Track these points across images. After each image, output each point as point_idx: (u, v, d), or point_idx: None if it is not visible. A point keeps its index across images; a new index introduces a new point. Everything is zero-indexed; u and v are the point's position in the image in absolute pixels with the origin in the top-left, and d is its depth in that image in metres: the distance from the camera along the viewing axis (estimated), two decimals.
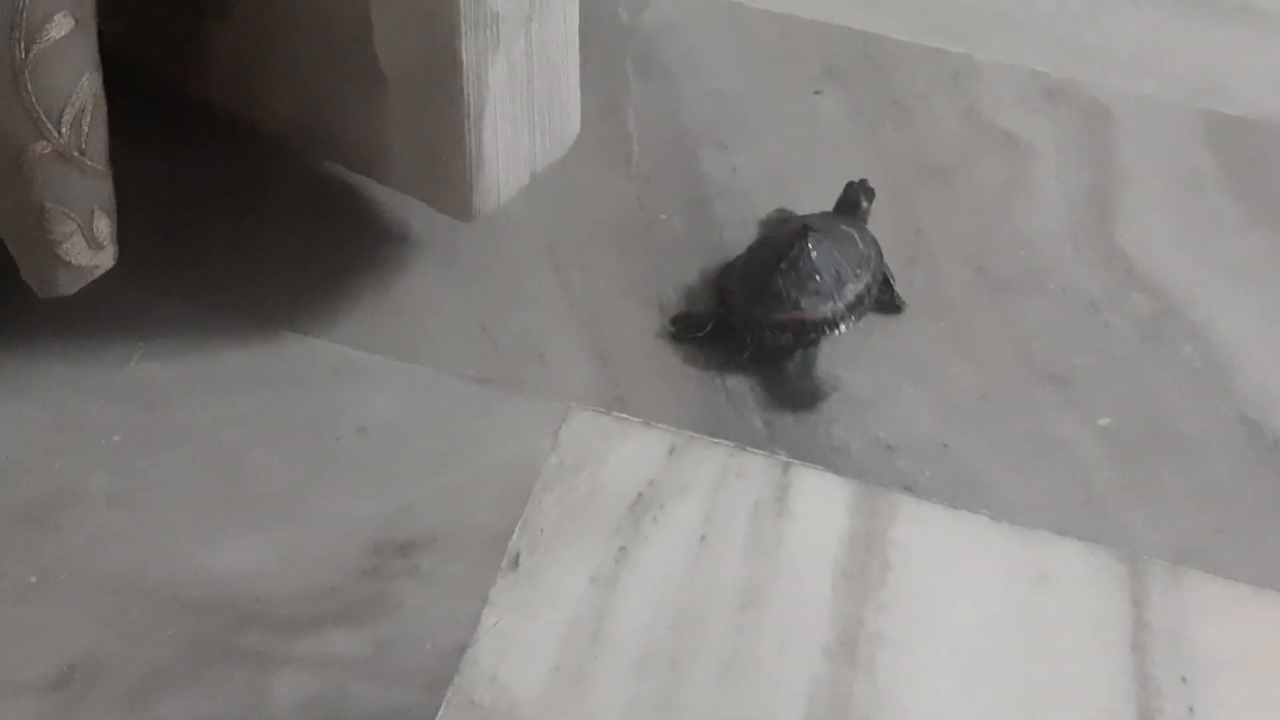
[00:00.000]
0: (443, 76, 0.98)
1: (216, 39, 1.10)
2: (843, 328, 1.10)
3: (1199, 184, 1.43)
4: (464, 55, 0.96)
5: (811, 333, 1.10)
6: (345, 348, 1.15)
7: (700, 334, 1.13)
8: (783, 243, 1.12)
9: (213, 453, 1.01)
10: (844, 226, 1.18)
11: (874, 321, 1.22)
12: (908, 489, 1.09)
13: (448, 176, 1.06)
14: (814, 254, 1.10)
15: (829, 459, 1.11)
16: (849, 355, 1.19)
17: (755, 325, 1.09)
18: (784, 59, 1.52)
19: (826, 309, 1.10)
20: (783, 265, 1.09)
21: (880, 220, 1.33)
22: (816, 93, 1.49)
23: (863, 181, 1.25)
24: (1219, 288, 1.31)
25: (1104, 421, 1.16)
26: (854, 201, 1.25)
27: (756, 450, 1.10)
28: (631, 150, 1.40)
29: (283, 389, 1.11)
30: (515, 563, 0.99)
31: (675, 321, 1.15)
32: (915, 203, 1.36)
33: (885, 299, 1.17)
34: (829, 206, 1.27)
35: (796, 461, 1.10)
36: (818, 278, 1.10)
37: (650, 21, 1.59)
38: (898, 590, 1.01)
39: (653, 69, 1.51)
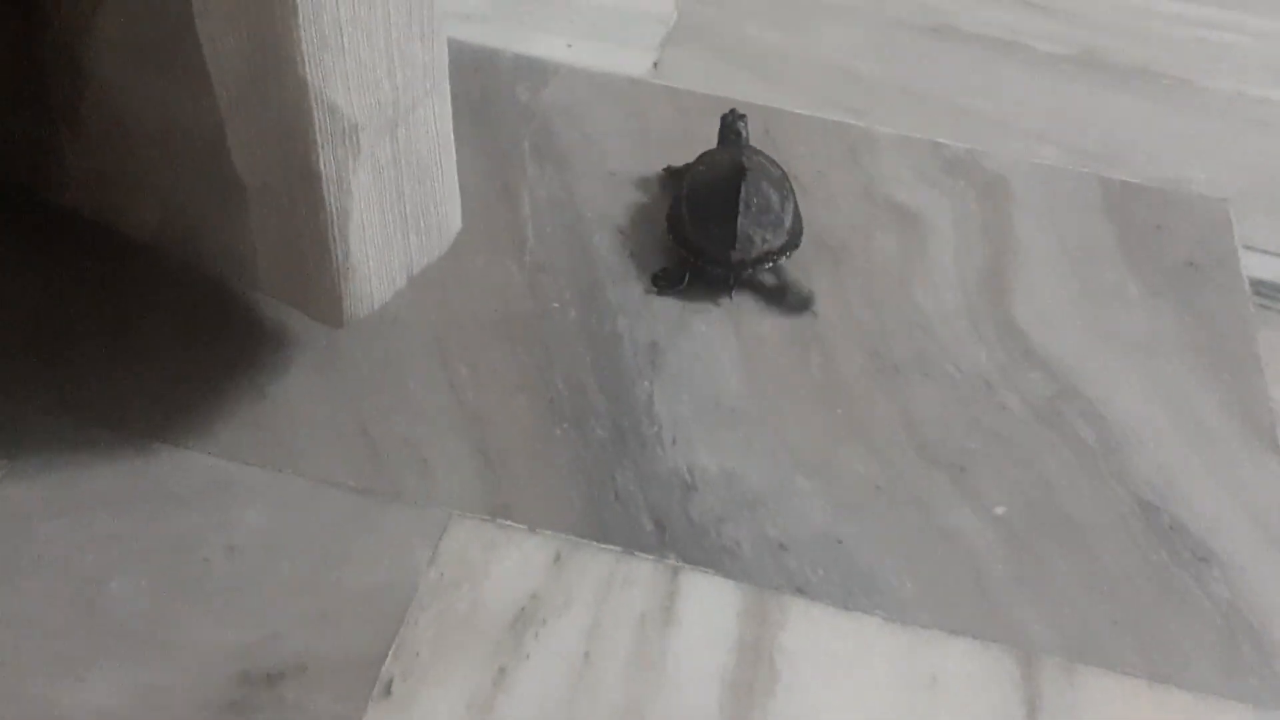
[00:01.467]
0: (302, 187, 0.96)
1: (73, 151, 1.07)
2: (799, 244, 1.32)
3: (1096, 256, 1.43)
4: (322, 167, 0.94)
5: (779, 256, 1.30)
6: (219, 460, 1.11)
7: (680, 285, 1.29)
8: (723, 184, 1.30)
9: (73, 580, 0.96)
10: (754, 156, 1.36)
11: (770, 407, 1.21)
12: (799, 590, 1.06)
13: (316, 284, 1.03)
14: (757, 190, 1.29)
15: (720, 561, 1.08)
16: (742, 446, 1.17)
17: (737, 268, 1.27)
18: (680, 137, 1.50)
19: (784, 234, 1.30)
20: (740, 209, 1.26)
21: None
22: None
23: (733, 111, 1.43)
24: (1115, 363, 1.30)
25: (999, 510, 1.14)
26: (736, 130, 1.41)
27: (645, 555, 1.08)
28: (526, 236, 1.38)
29: (151, 507, 1.07)
30: (388, 689, 0.95)
31: (655, 280, 1.30)
32: (811, 283, 1.34)
33: (790, 299, 1.32)
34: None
35: (686, 565, 1.07)
36: (769, 210, 1.29)
37: (549, 100, 1.57)
38: (786, 701, 0.99)
39: (550, 151, 1.49)
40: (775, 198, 1.30)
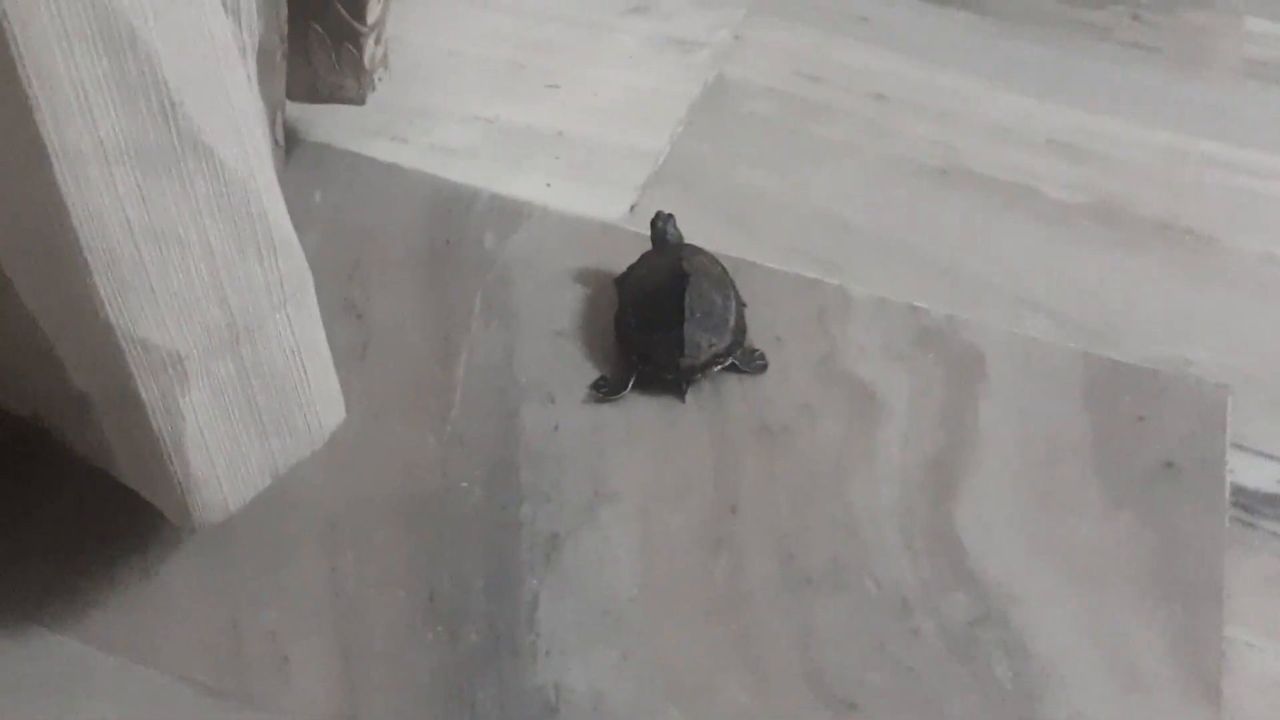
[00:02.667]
0: (130, 412, 0.94)
1: None
2: (744, 340, 1.37)
3: (1063, 453, 1.33)
4: (144, 395, 0.92)
5: (726, 358, 1.34)
6: (87, 646, 1.11)
7: (624, 391, 1.32)
8: (667, 290, 1.34)
9: None
10: (693, 257, 1.39)
11: (660, 617, 1.15)
12: None
13: (163, 491, 1.02)
14: (700, 294, 1.32)
15: None
16: (618, 663, 1.12)
17: (687, 373, 1.31)
18: None
19: (728, 334, 1.34)
20: (686, 315, 1.30)
21: (695, 490, 1.26)
22: None
23: (659, 213, 1.46)
24: (1055, 586, 1.20)
25: None
26: (664, 232, 1.45)
27: None
28: (452, 402, 1.35)
29: (9, 698, 1.07)
30: None
31: (597, 386, 1.33)
32: (739, 472, 1.28)
33: (746, 362, 1.37)
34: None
35: None
36: (713, 313, 1.32)
37: (514, 248, 1.54)
38: None
39: (500, 306, 1.46)
40: (718, 300, 1.33)
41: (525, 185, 1.64)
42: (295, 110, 1.67)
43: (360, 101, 1.59)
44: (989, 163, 1.72)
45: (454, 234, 1.56)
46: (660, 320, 1.31)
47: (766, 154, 1.72)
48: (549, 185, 1.64)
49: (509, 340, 1.42)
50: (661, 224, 1.44)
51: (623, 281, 1.41)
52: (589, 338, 1.42)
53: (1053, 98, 1.84)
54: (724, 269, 1.40)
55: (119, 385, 0.92)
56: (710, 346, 1.30)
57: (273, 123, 1.37)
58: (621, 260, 1.52)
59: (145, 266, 0.87)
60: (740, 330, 1.35)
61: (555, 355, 1.40)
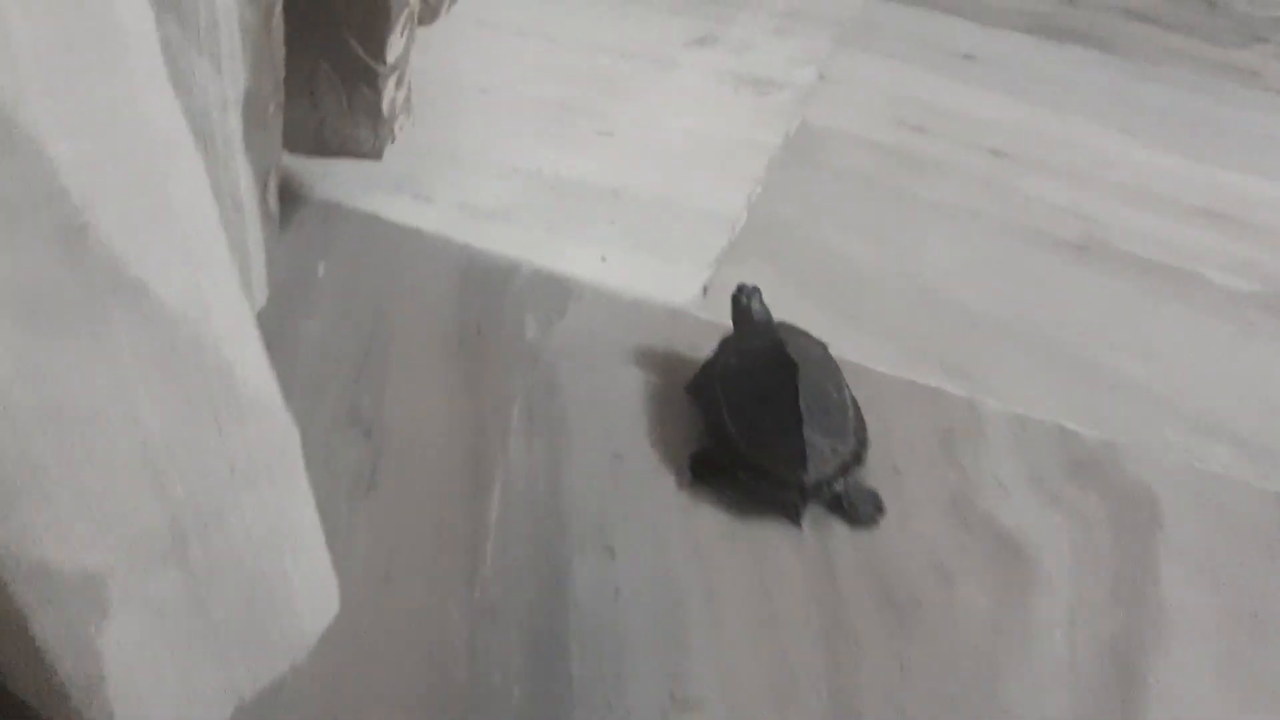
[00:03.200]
0: (25, 651, 0.65)
1: None
2: (868, 440, 1.11)
3: (1274, 632, 1.02)
4: (41, 633, 0.63)
5: (854, 465, 1.09)
6: None
7: (721, 480, 1.11)
8: (772, 385, 1.09)
9: None
10: (793, 339, 1.15)
11: None
12: None
13: None
14: (812, 386, 1.08)
15: None
16: None
17: (814, 490, 1.06)
18: None
19: (851, 436, 1.09)
20: (804, 416, 1.06)
21: (801, 694, 0.96)
22: None
23: (742, 287, 1.21)
24: None
25: None
26: (749, 309, 1.20)
27: None
28: (484, 554, 1.05)
29: None
30: None
31: (695, 462, 1.13)
32: (858, 666, 0.98)
33: (860, 509, 1.10)
34: None
35: None
36: (829, 410, 1.09)
37: (561, 338, 1.24)
38: None
39: (546, 417, 1.16)
40: (833, 392, 1.10)
41: (575, 257, 1.34)
42: (295, 161, 1.38)
43: (376, 155, 1.29)
44: (1134, 236, 1.42)
45: (488, 319, 1.26)
46: (769, 425, 1.07)
47: (865, 220, 1.42)
48: (604, 259, 1.34)
49: (555, 465, 1.12)
50: (746, 299, 1.20)
51: (709, 377, 1.15)
52: (658, 459, 1.12)
53: (1200, 155, 1.54)
54: (826, 349, 1.16)
55: (10, 621, 0.62)
56: (836, 453, 1.07)
57: (262, 188, 1.07)
58: (693, 354, 1.22)
59: (38, 461, 0.57)
60: (861, 429, 1.11)
61: (615, 486, 1.10)
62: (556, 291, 1.30)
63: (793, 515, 1.06)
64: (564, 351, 1.23)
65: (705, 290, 1.31)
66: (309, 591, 0.77)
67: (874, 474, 1.12)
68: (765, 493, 1.07)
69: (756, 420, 1.08)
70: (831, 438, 1.06)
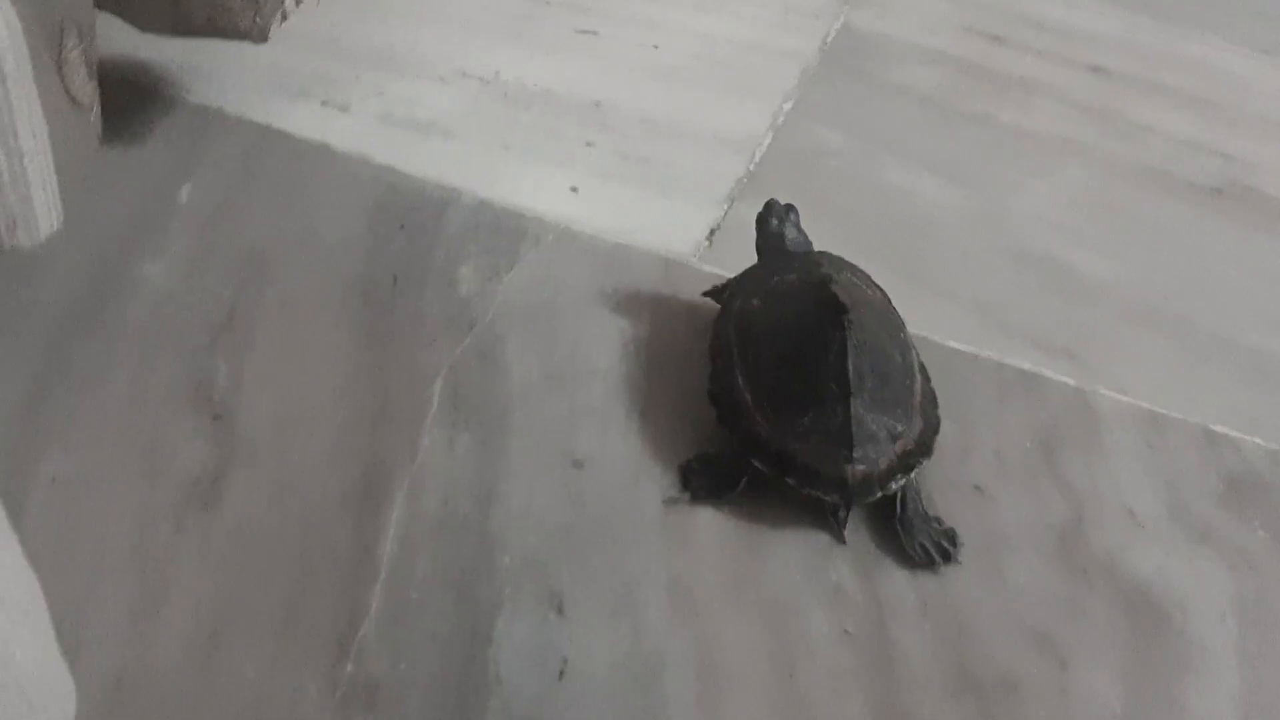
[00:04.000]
0: None
1: None
2: (938, 426, 0.77)
3: None
4: None
5: (918, 458, 0.75)
6: None
7: (733, 492, 0.76)
8: (810, 332, 0.76)
9: None
10: (841, 274, 0.81)
11: None
12: None
13: None
14: (869, 345, 0.75)
15: None
16: None
17: (860, 491, 0.73)
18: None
19: (916, 414, 0.76)
20: (852, 383, 0.73)
21: None
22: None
23: (772, 205, 0.89)
24: None
25: None
26: (781, 234, 0.87)
27: None
28: (370, 603, 0.70)
29: None
30: None
31: (687, 478, 0.77)
32: None
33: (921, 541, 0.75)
34: None
35: None
36: (890, 377, 0.76)
37: (509, 294, 0.89)
38: None
39: (475, 403, 0.82)
40: (893, 350, 0.78)
41: (537, 187, 0.99)
42: (155, 46, 1.03)
43: (259, 37, 0.94)
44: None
45: (408, 267, 0.91)
46: (803, 394, 0.76)
47: (931, 151, 1.07)
48: (575, 190, 0.99)
49: (486, 474, 0.77)
50: (777, 221, 0.88)
51: (721, 324, 0.84)
52: (634, 469, 0.77)
53: None
54: (885, 295, 0.84)
55: None
56: (893, 437, 0.75)
57: (54, 54, 0.72)
58: (691, 320, 0.87)
59: None
60: (930, 407, 0.79)
61: (571, 507, 0.76)
62: (507, 231, 0.95)
63: (833, 523, 0.75)
64: (511, 314, 0.88)
65: (712, 235, 0.96)
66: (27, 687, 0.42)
67: (947, 494, 0.77)
68: (792, 495, 0.75)
69: (785, 386, 0.77)
70: (888, 415, 0.75)
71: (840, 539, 0.75)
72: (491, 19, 1.16)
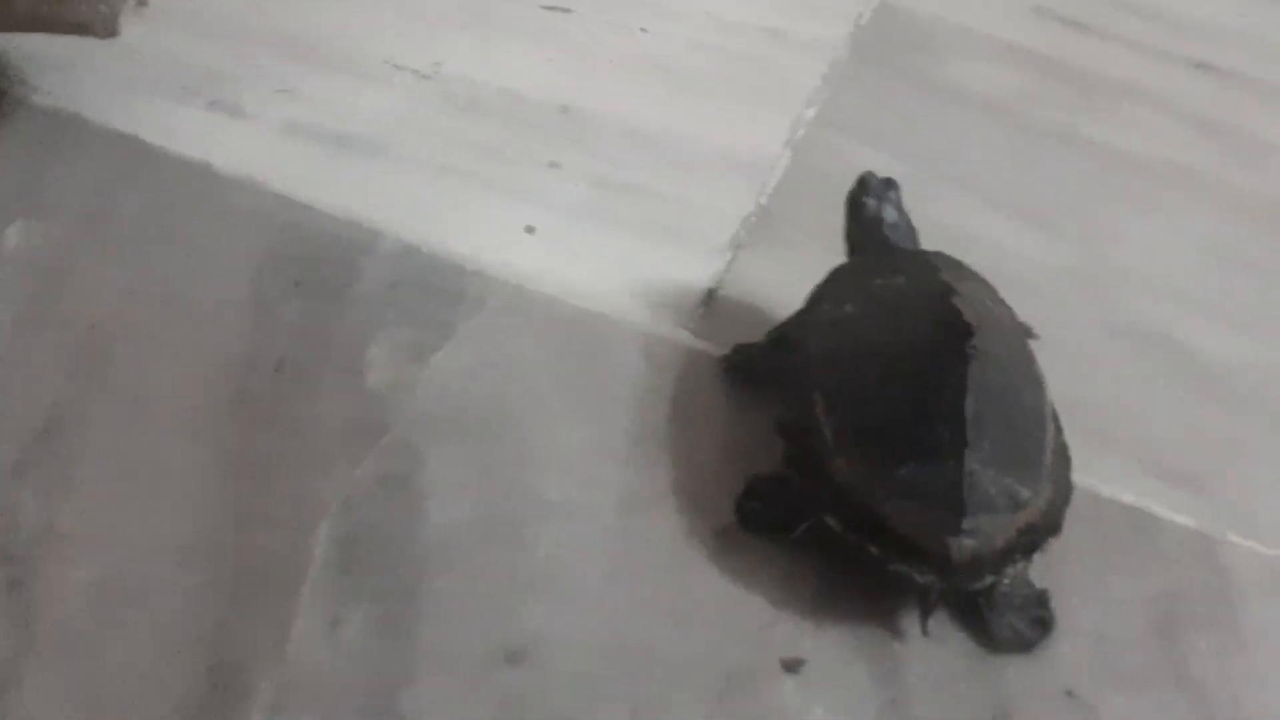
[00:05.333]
0: None
1: None
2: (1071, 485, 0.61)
3: None
4: None
5: (1036, 542, 0.59)
6: None
7: (783, 535, 0.61)
8: (921, 360, 0.61)
9: None
10: (964, 283, 0.64)
11: None
12: None
13: None
14: (995, 386, 0.60)
15: None
16: None
17: (964, 574, 0.57)
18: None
19: (1045, 484, 0.60)
20: (969, 434, 0.57)
21: None
22: None
23: (868, 179, 0.71)
24: None
25: None
26: (878, 217, 0.70)
27: None
28: None
29: None
30: None
31: (744, 510, 0.62)
32: None
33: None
34: None
35: None
36: (1015, 428, 0.60)
37: (433, 392, 0.66)
38: None
39: (379, 560, 0.59)
40: (1024, 389, 0.63)
41: (481, 228, 0.76)
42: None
43: (104, 30, 0.71)
44: None
45: (300, 345, 0.69)
46: (906, 435, 0.60)
47: (993, 181, 0.83)
48: (531, 230, 0.76)
49: (386, 676, 0.55)
50: (875, 201, 0.71)
51: (801, 333, 0.67)
52: (603, 661, 0.55)
53: None
54: (1014, 316, 0.67)
55: None
56: (1015, 508, 0.59)
57: None
58: (689, 426, 0.65)
59: None
60: (1063, 469, 0.62)
61: None
62: (438, 292, 0.72)
63: (922, 608, 0.59)
64: (435, 417, 0.65)
65: (709, 298, 0.73)
66: None
67: (1027, 701, 0.55)
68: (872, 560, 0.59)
69: (880, 425, 0.61)
70: (1012, 476, 0.59)
71: (924, 628, 0.58)
72: None
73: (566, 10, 0.92)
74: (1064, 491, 0.61)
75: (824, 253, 0.75)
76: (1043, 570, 0.60)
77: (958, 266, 0.68)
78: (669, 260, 0.75)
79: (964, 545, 0.57)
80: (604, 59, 0.88)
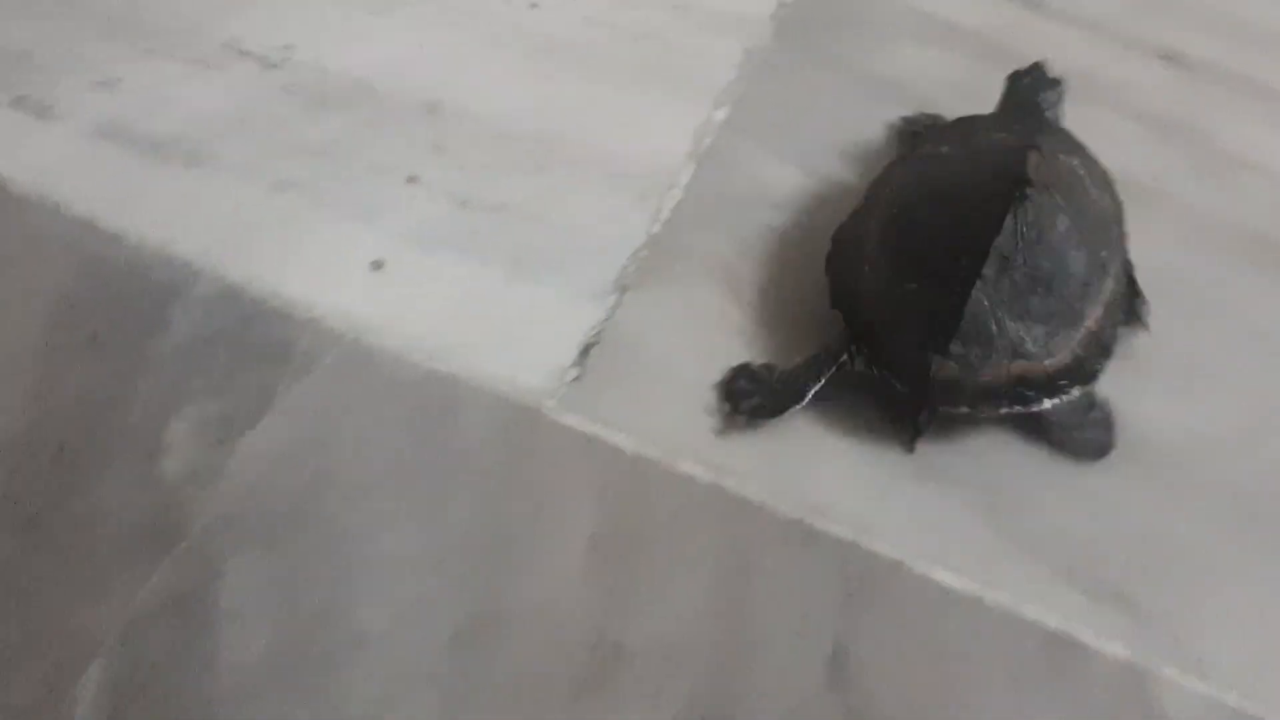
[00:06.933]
0: None
1: None
2: (1097, 370, 0.62)
3: None
4: None
5: (1054, 393, 0.61)
6: None
7: (794, 405, 0.62)
8: (970, 201, 0.63)
9: None
10: (1061, 155, 0.66)
11: None
12: None
13: None
14: (1040, 234, 0.62)
15: None
16: None
17: (940, 395, 0.60)
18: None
19: (1076, 334, 0.62)
20: (985, 269, 0.60)
21: None
22: None
23: (1035, 67, 0.72)
24: None
25: None
26: (1034, 95, 0.71)
27: None
28: None
29: None
30: None
31: (731, 391, 0.62)
32: None
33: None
34: None
35: None
36: (1054, 282, 0.62)
37: (242, 481, 0.56)
38: None
39: (167, 705, 0.50)
40: (1080, 251, 0.63)
41: (319, 262, 0.65)
42: None
43: None
44: None
45: (88, 420, 0.58)
46: (930, 255, 0.62)
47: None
48: (378, 265, 0.65)
49: None
50: (1031, 80, 0.72)
51: (904, 163, 0.69)
52: None
53: None
54: (1119, 208, 0.67)
55: None
56: (1015, 355, 0.60)
57: None
58: (560, 517, 0.55)
59: None
60: (1108, 328, 0.63)
61: None
62: (259, 348, 0.61)
63: (905, 432, 0.61)
64: (243, 519, 0.55)
65: (584, 356, 0.62)
66: None
67: None
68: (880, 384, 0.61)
69: (913, 242, 0.63)
70: (1025, 326, 0.60)
71: (908, 446, 0.60)
72: None
73: None
74: (1089, 367, 0.61)
75: (724, 298, 0.65)
76: (944, 690, 0.52)
77: (1074, 145, 0.68)
78: (540, 305, 0.64)
79: (946, 367, 0.59)
80: (483, 42, 0.76)
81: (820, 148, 0.72)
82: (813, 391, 0.61)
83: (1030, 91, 0.71)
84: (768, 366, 0.63)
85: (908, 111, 0.74)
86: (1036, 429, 0.61)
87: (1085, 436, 0.62)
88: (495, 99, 0.73)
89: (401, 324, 0.62)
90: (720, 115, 0.73)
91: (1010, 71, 0.71)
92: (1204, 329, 0.66)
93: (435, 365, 0.61)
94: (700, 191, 0.70)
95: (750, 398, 0.62)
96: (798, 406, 0.61)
